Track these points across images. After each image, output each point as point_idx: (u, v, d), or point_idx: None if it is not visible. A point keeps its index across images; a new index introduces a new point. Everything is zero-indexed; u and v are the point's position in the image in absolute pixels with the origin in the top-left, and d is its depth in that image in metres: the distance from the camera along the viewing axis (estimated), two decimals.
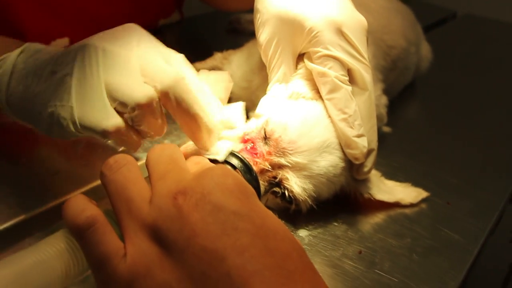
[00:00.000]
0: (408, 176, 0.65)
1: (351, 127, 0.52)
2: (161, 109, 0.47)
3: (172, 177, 0.35)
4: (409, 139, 0.76)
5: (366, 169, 0.55)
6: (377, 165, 0.59)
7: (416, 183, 0.62)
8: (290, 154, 0.51)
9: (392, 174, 0.64)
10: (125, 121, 0.45)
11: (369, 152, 0.54)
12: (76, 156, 0.61)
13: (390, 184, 0.62)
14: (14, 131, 0.64)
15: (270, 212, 0.35)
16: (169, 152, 0.38)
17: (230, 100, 0.71)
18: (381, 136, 0.64)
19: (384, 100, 0.71)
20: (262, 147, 0.52)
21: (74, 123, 0.45)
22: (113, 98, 0.43)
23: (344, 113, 0.52)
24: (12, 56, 0.50)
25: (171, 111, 0.47)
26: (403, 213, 0.59)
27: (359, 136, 0.52)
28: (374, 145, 0.55)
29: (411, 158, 0.70)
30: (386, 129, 0.75)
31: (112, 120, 0.44)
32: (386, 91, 0.72)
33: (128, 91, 0.43)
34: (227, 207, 0.32)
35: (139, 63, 0.44)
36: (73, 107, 0.45)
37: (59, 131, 0.46)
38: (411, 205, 0.60)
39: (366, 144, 0.53)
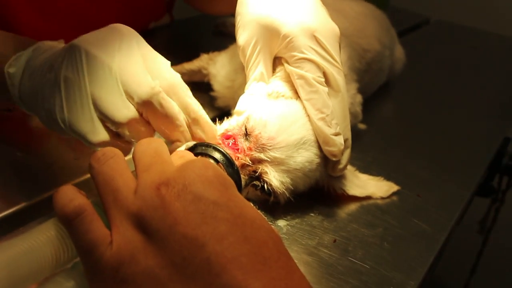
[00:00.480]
0: (381, 170, 0.65)
1: (329, 126, 0.52)
2: (144, 119, 0.47)
3: (156, 169, 0.35)
4: (382, 135, 0.76)
5: (341, 166, 0.55)
6: (352, 160, 0.59)
7: (388, 177, 0.63)
8: (269, 149, 0.51)
9: (366, 168, 0.65)
10: (112, 132, 0.46)
11: (344, 149, 0.55)
12: (69, 149, 0.61)
13: (364, 178, 0.63)
14: (12, 123, 0.64)
15: (248, 203, 0.35)
16: (154, 145, 0.38)
17: (214, 99, 0.72)
18: (357, 132, 0.64)
19: (359, 98, 0.71)
20: (243, 143, 0.52)
21: (64, 124, 0.45)
22: (99, 111, 0.44)
23: (322, 112, 0.52)
24: (26, 54, 0.50)
25: (150, 120, 0.47)
26: (376, 204, 0.60)
27: (336, 134, 0.52)
28: (349, 143, 0.56)
29: (384, 153, 0.70)
30: (362, 126, 0.75)
31: (99, 136, 0.45)
32: (361, 91, 0.72)
33: (111, 109, 0.44)
34: (207, 197, 0.33)
35: (119, 73, 0.44)
36: (64, 110, 0.45)
37: (56, 127, 0.47)
38: (382, 198, 0.61)
39: (342, 141, 0.53)
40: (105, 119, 0.45)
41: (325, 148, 0.53)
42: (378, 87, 0.88)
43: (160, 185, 0.33)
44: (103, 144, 0.45)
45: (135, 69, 0.45)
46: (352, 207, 0.59)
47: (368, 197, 0.60)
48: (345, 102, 0.55)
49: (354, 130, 0.58)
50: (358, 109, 0.72)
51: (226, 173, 0.37)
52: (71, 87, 0.45)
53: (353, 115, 0.61)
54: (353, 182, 0.60)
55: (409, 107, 0.89)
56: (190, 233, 0.31)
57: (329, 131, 0.52)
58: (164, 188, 0.33)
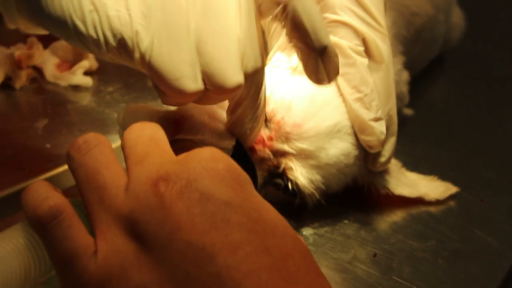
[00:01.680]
0: (434, 167, 0.64)
1: (367, 109, 0.52)
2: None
3: (152, 161, 0.35)
4: (435, 123, 0.76)
5: (383, 159, 0.55)
6: (396, 154, 0.59)
7: (443, 176, 0.62)
8: (294, 139, 0.51)
9: (414, 164, 0.64)
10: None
11: (387, 139, 0.54)
12: (36, 136, 0.61)
13: (412, 176, 0.62)
14: None
15: (268, 204, 0.35)
16: (149, 131, 0.38)
17: None
18: (402, 119, 0.63)
19: (405, 76, 0.71)
20: (262, 131, 0.52)
21: (141, 54, 0.38)
22: (201, 64, 0.40)
23: (359, 91, 0.52)
24: None
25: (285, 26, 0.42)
26: (427, 211, 0.60)
27: (376, 119, 0.52)
28: (394, 130, 0.55)
29: (437, 146, 0.70)
30: (408, 111, 0.75)
31: (198, 85, 0.40)
32: (408, 66, 0.72)
33: (218, 72, 0.40)
34: (217, 197, 0.33)
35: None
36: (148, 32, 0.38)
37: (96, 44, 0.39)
38: (437, 202, 0.60)
39: (384, 129, 0.53)
40: (208, 75, 0.40)
41: (362, 137, 0.53)
42: (430, 62, 0.87)
43: (158, 180, 0.33)
44: (196, 95, 0.40)
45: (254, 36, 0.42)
46: (397, 213, 0.59)
47: (419, 200, 0.60)
48: (391, 77, 0.54)
49: (399, 116, 0.57)
50: (404, 89, 0.71)
51: (240, 167, 0.38)
52: (169, 17, 0.38)
53: (398, 97, 0.60)
54: (400, 180, 0.60)
55: (468, 87, 0.88)
56: (195, 241, 0.31)
57: (367, 115, 0.52)
58: (163, 184, 0.33)
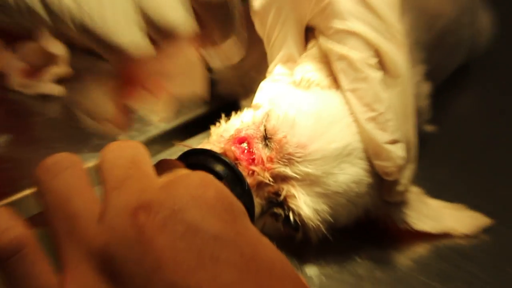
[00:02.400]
0: (461, 195, 0.64)
1: (382, 130, 0.52)
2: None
3: (132, 186, 0.35)
4: (461, 142, 0.76)
5: (401, 188, 0.55)
6: (416, 179, 0.58)
7: (472, 205, 0.62)
8: (298, 162, 0.51)
9: (438, 191, 0.63)
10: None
11: (405, 164, 0.54)
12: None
13: (436, 205, 0.62)
14: None
15: (265, 239, 0.35)
16: (130, 152, 0.38)
17: (214, 84, 0.71)
18: (422, 138, 0.63)
19: (425, 88, 0.71)
20: (261, 150, 0.52)
21: (74, 21, 0.38)
22: (147, 14, 0.40)
23: (373, 110, 0.52)
24: None
25: None
26: (454, 247, 0.59)
27: (393, 142, 0.52)
28: (413, 155, 0.55)
29: (464, 169, 0.70)
30: (429, 128, 0.75)
31: (142, 47, 0.40)
32: (429, 76, 0.72)
33: (164, 16, 0.40)
34: (206, 230, 0.33)
35: None
36: None
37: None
38: (465, 236, 0.60)
39: (402, 153, 0.53)
40: (155, 27, 0.40)
41: (377, 162, 0.53)
42: (455, 71, 0.87)
43: (138, 209, 0.33)
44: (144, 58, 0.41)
45: None
46: (418, 249, 0.58)
47: (444, 235, 0.59)
48: (408, 92, 0.54)
49: (419, 134, 0.57)
50: (425, 103, 0.71)
51: (233, 195, 0.37)
52: None
53: (417, 112, 0.60)
54: (421, 212, 0.59)
55: (500, 102, 0.87)
56: (179, 282, 0.31)
57: (382, 137, 0.51)
58: (144, 214, 0.33)
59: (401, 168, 0.53)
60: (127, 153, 0.38)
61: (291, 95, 0.54)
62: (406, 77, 0.54)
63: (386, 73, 0.53)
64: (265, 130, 0.52)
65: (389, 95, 0.53)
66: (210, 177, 0.36)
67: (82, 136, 0.68)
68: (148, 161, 0.39)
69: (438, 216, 0.60)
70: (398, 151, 0.52)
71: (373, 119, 0.52)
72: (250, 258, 0.33)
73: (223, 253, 0.32)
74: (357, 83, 0.52)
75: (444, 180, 0.67)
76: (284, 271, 0.34)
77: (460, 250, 0.59)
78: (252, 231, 0.35)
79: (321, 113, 0.53)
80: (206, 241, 0.32)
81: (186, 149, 0.50)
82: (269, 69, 0.57)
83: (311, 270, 0.54)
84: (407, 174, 0.55)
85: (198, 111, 0.72)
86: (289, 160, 0.51)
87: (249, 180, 0.50)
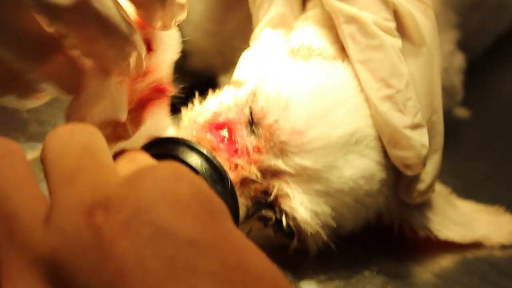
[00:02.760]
0: (499, 195, 0.64)
1: (401, 111, 0.51)
2: None
3: (86, 180, 0.34)
4: (501, 131, 0.76)
5: (423, 186, 0.54)
6: (443, 176, 0.58)
7: None
8: (293, 152, 0.51)
9: (471, 190, 0.63)
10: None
11: (429, 155, 0.53)
12: None
13: (467, 208, 0.61)
14: None
15: (252, 246, 0.34)
16: (82, 138, 0.37)
17: (186, 56, 0.71)
18: (453, 125, 0.63)
19: (459, 61, 0.70)
20: (245, 138, 0.52)
21: None
22: None
23: (389, 86, 0.51)
24: None
25: None
26: (488, 258, 0.59)
27: (414, 126, 0.51)
28: (438, 144, 0.55)
29: (504, 165, 0.70)
30: (462, 112, 0.75)
31: None
32: (464, 46, 0.71)
33: None
34: (179, 233, 0.32)
35: None
36: None
37: None
38: (502, 247, 0.60)
39: (425, 140, 0.52)
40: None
41: (394, 152, 0.52)
42: (498, 40, 0.87)
43: (94, 207, 0.32)
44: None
45: None
46: (442, 261, 0.58)
47: (475, 244, 0.59)
48: (435, 66, 0.54)
49: (449, 120, 0.56)
50: (457, 81, 0.70)
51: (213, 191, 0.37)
52: None
53: (446, 92, 0.60)
54: (448, 217, 0.58)
55: None
56: None
57: (400, 120, 0.51)
58: (102, 213, 0.32)
59: (424, 160, 0.52)
60: (79, 139, 0.37)
61: (285, 67, 0.53)
62: (432, 46, 0.53)
63: (407, 40, 0.53)
64: (251, 113, 0.51)
65: (410, 68, 0.52)
66: (183, 168, 0.36)
67: (17, 122, 0.68)
68: (105, 149, 0.38)
69: (469, 222, 0.60)
70: (420, 138, 0.51)
71: (389, 97, 0.51)
72: (233, 267, 0.32)
73: (201, 261, 0.32)
74: (369, 52, 0.52)
75: (479, 177, 0.67)
76: (276, 284, 0.33)
77: (495, 263, 0.58)
78: (236, 235, 0.34)
79: (323, 91, 0.52)
80: (179, 246, 0.32)
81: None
82: (254, 34, 0.57)
83: (309, 285, 0.54)
84: (431, 168, 0.54)
85: None
86: (281, 150, 0.50)
87: (231, 175, 0.49)
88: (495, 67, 0.86)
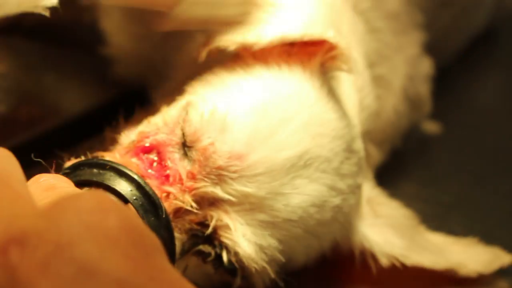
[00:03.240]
0: (473, 221, 0.67)
1: None
2: None
3: None
4: (476, 148, 0.78)
5: None
6: (411, 201, 0.61)
7: (488, 238, 0.65)
8: (232, 179, 0.53)
9: (441, 217, 0.66)
10: None
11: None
12: None
13: (436, 240, 0.64)
14: None
15: (189, 285, 0.36)
16: None
17: (110, 64, 0.71)
18: (420, 141, 0.67)
19: (426, 66, 0.73)
20: (178, 163, 0.54)
21: None
22: None
23: None
24: None
25: None
26: None
27: None
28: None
29: (479, 186, 0.72)
30: (431, 126, 0.77)
31: None
32: (432, 49, 0.74)
33: None
34: (106, 272, 0.33)
35: None
36: None
37: None
38: (480, 278, 0.62)
39: None
40: None
41: None
42: (472, 41, 0.90)
43: (9, 244, 0.33)
44: None
45: None
46: None
47: (449, 273, 0.61)
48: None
49: (416, 135, 0.60)
50: (424, 89, 0.73)
51: (144, 224, 0.38)
52: None
53: (412, 102, 0.63)
54: (415, 241, 0.61)
55: None
56: None
57: None
58: (17, 250, 0.33)
59: None
60: None
61: (224, 78, 0.56)
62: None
63: None
64: (183, 134, 0.53)
65: None
66: (110, 198, 0.37)
67: None
68: (20, 176, 0.39)
69: (440, 250, 0.62)
70: None
71: None
72: None
73: None
74: None
75: (450, 202, 0.69)
76: None
77: None
78: (171, 274, 0.36)
79: (267, 107, 0.54)
80: (107, 287, 0.33)
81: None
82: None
83: None
84: None
85: (85, 103, 0.71)
86: (219, 176, 0.52)
87: (164, 205, 0.51)
88: (469, 73, 0.88)
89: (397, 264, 0.60)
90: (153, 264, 0.35)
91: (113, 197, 0.49)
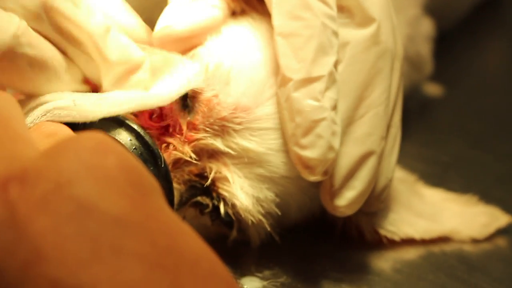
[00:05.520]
0: (471, 181, 0.67)
1: (318, 101, 0.52)
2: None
3: None
4: (476, 110, 0.79)
5: (352, 194, 0.55)
6: (410, 160, 0.61)
7: (487, 196, 0.65)
8: (236, 130, 0.53)
9: (440, 176, 0.66)
10: None
11: (363, 158, 0.54)
12: None
13: (435, 197, 0.64)
14: None
15: (187, 228, 0.36)
16: None
17: None
18: (421, 102, 0.67)
19: (426, 26, 0.73)
20: (178, 113, 0.54)
21: None
22: None
23: (311, 69, 0.52)
24: None
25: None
26: (457, 251, 0.62)
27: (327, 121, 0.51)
28: (375, 143, 0.55)
29: (477, 147, 0.72)
30: (432, 88, 0.78)
31: None
32: (433, 9, 0.74)
33: None
34: (104, 210, 0.33)
35: None
36: None
37: None
38: (474, 242, 0.63)
39: (335, 143, 0.52)
40: None
41: (295, 149, 0.52)
42: (473, 6, 0.90)
43: (9, 181, 0.34)
44: None
45: None
46: (405, 255, 0.60)
47: (443, 239, 0.61)
48: (384, 48, 0.55)
49: (417, 96, 0.60)
50: (424, 50, 0.73)
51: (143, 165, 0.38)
52: None
53: (412, 62, 0.63)
54: (411, 208, 0.61)
55: None
56: (65, 279, 0.31)
57: (315, 112, 0.52)
58: (17, 187, 0.33)
59: (327, 164, 0.52)
60: None
61: (228, 31, 0.56)
62: (383, 21, 0.55)
63: (348, 16, 0.55)
64: None
65: (346, 53, 0.54)
66: (110, 139, 0.36)
67: None
68: (21, 118, 0.39)
69: (436, 213, 0.62)
70: (330, 138, 0.52)
71: (307, 82, 0.52)
72: (165, 250, 0.33)
73: (128, 242, 0.32)
74: (296, 25, 0.53)
75: (449, 162, 0.69)
76: (213, 271, 0.35)
77: (465, 256, 0.61)
78: (169, 215, 0.36)
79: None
80: (104, 225, 0.33)
81: None
82: None
83: (251, 283, 0.56)
84: (364, 173, 0.55)
85: None
86: (222, 127, 0.52)
87: (164, 155, 0.51)
88: (471, 36, 0.88)
89: (384, 240, 0.61)
90: (151, 204, 0.36)
91: (111, 138, 0.47)
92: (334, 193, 0.54)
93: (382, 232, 0.60)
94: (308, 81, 0.52)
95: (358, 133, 0.54)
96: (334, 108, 0.52)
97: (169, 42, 0.55)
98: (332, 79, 0.52)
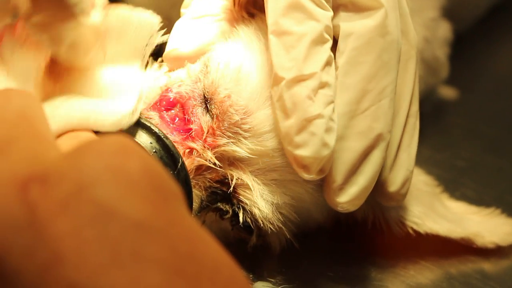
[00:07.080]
0: (485, 186, 0.67)
1: (311, 99, 0.51)
2: None
3: (21, 150, 0.36)
4: (491, 114, 0.78)
5: (393, 188, 0.56)
6: (424, 165, 0.61)
7: (499, 203, 0.65)
8: (245, 138, 0.53)
9: (454, 181, 0.66)
10: None
11: (366, 153, 0.53)
12: None
13: (458, 208, 0.64)
14: None
15: (207, 235, 0.36)
16: (18, 103, 0.39)
17: None
18: (436, 106, 0.66)
19: (444, 30, 0.73)
20: (201, 118, 0.53)
21: None
22: None
23: (303, 67, 0.52)
24: None
25: None
26: (478, 268, 0.61)
27: (320, 118, 0.51)
28: (396, 138, 0.55)
29: (492, 152, 0.72)
30: (448, 92, 0.77)
31: None
32: (450, 14, 0.73)
33: None
34: (125, 215, 0.33)
35: None
36: None
37: None
38: (496, 251, 0.62)
39: (330, 140, 0.52)
40: None
41: (289, 149, 0.52)
42: (488, 9, 0.89)
43: (30, 182, 0.34)
44: None
45: None
46: (425, 268, 0.60)
47: (464, 244, 0.61)
48: (391, 34, 0.54)
49: (432, 100, 0.60)
50: (441, 53, 0.73)
51: (165, 170, 0.38)
52: None
53: (429, 65, 0.63)
54: (433, 208, 0.61)
55: None
56: (84, 283, 0.32)
57: (308, 109, 0.51)
58: (38, 188, 0.34)
59: (322, 162, 0.52)
60: (14, 104, 0.39)
61: (230, 37, 0.56)
62: (390, 6, 0.54)
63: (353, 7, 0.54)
64: (203, 87, 0.53)
65: (351, 43, 0.54)
66: (132, 142, 0.36)
67: None
68: (43, 117, 0.39)
69: (459, 219, 0.62)
70: (324, 135, 0.51)
71: (299, 80, 0.52)
72: (185, 256, 0.34)
73: (148, 248, 0.33)
74: (289, 23, 0.53)
75: (463, 167, 0.69)
76: (233, 279, 0.35)
77: (486, 271, 0.61)
78: (190, 221, 0.36)
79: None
80: (125, 229, 0.33)
81: None
82: (185, 1, 0.58)
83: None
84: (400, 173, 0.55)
85: None
86: (235, 133, 0.52)
87: (186, 161, 0.51)
88: (487, 39, 0.87)
89: (410, 231, 0.59)
90: (172, 210, 0.36)
91: (134, 142, 0.46)
92: (337, 189, 0.53)
93: (408, 223, 0.59)
94: (300, 79, 0.51)
95: (362, 127, 0.53)
96: (330, 103, 0.51)
97: (178, 63, 0.57)
98: (326, 75, 0.52)
